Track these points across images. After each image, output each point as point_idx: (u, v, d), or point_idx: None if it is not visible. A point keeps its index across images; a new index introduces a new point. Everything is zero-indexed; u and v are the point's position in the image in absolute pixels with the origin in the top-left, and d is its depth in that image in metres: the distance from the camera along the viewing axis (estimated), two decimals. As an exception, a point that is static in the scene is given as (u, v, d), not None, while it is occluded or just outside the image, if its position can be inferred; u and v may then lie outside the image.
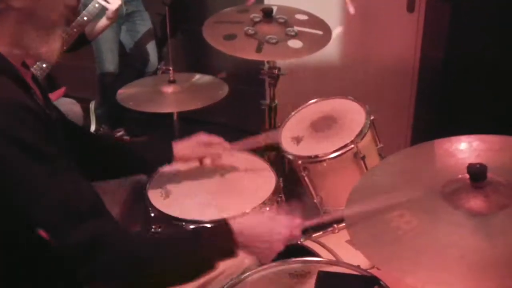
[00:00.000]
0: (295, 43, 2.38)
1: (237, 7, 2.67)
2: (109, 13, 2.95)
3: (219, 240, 1.44)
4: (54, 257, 1.31)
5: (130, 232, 1.46)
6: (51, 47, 1.38)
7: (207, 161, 2.05)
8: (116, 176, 1.94)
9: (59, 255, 1.29)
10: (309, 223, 1.57)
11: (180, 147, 1.96)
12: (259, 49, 2.32)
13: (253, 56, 2.31)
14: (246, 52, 2.34)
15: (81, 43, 2.98)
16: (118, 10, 2.99)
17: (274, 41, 2.36)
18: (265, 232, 1.48)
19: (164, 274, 1.37)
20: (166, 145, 1.96)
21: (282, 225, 1.50)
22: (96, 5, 2.89)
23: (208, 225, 1.77)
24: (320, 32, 2.43)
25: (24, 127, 1.22)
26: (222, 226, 1.46)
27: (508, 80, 2.73)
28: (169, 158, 1.95)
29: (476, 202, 1.28)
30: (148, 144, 2.05)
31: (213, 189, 1.99)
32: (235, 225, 1.44)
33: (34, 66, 2.76)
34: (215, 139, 2.02)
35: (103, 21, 3.03)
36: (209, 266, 1.41)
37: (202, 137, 2.00)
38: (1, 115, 1.19)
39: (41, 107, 1.37)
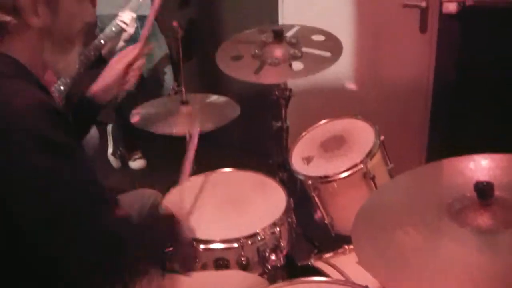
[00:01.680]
0: (297, 65, 2.35)
1: (258, 28, 2.63)
2: (126, 35, 3.00)
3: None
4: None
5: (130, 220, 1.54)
6: (69, 62, 1.43)
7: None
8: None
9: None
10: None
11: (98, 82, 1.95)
12: (257, 71, 2.30)
13: (251, 78, 2.28)
14: (245, 73, 2.32)
15: (98, 62, 3.02)
16: (132, 34, 3.04)
17: (276, 62, 2.33)
18: None
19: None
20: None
21: None
22: (113, 29, 2.94)
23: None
24: (328, 54, 2.40)
25: (48, 124, 1.24)
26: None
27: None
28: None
29: (482, 220, 1.27)
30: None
31: (222, 207, 2.00)
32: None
33: (55, 85, 2.80)
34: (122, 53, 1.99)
35: (120, 43, 3.07)
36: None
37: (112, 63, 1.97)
38: (25, 115, 1.21)
39: (59, 106, 1.43)
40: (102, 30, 3.08)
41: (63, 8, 1.35)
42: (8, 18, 1.27)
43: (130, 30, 2.97)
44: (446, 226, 1.29)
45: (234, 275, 1.83)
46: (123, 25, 2.95)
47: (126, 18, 2.96)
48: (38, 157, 1.22)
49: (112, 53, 3.05)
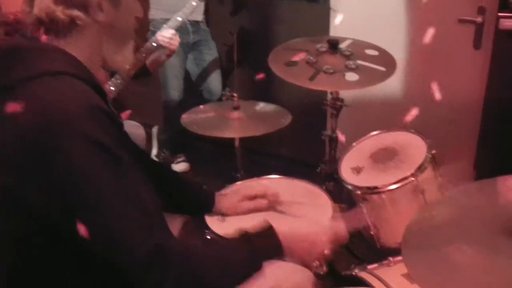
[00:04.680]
0: (351, 76, 2.38)
1: (311, 38, 2.68)
2: (167, 51, 3.07)
3: (267, 245, 1.56)
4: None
5: (190, 245, 1.47)
6: (125, 56, 1.50)
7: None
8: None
9: (116, 267, 1.29)
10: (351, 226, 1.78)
11: (223, 203, 1.99)
12: (312, 78, 2.33)
13: (305, 84, 2.32)
14: (300, 79, 2.35)
15: (143, 74, 3.07)
16: (175, 50, 3.11)
17: (330, 71, 2.36)
18: (308, 234, 1.65)
19: (221, 282, 1.42)
20: (209, 196, 2.00)
21: (325, 228, 1.69)
22: (154, 44, 3.01)
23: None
24: (383, 69, 2.41)
25: (102, 129, 1.26)
26: (267, 231, 1.59)
27: None
28: (209, 208, 1.99)
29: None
30: (195, 188, 2.02)
31: (269, 214, 2.00)
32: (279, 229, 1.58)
33: (109, 82, 2.86)
34: (259, 191, 2.03)
35: (162, 57, 3.12)
36: (259, 268, 1.48)
37: (245, 192, 2.02)
38: (83, 118, 1.23)
39: (115, 113, 1.42)
40: (154, 34, 3.14)
41: (123, 2, 1.43)
42: (78, 13, 1.34)
43: (172, 47, 3.04)
44: (500, 243, 1.27)
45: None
46: (163, 42, 3.02)
47: (166, 34, 3.03)
48: (97, 163, 1.23)
49: (155, 64, 3.10)
